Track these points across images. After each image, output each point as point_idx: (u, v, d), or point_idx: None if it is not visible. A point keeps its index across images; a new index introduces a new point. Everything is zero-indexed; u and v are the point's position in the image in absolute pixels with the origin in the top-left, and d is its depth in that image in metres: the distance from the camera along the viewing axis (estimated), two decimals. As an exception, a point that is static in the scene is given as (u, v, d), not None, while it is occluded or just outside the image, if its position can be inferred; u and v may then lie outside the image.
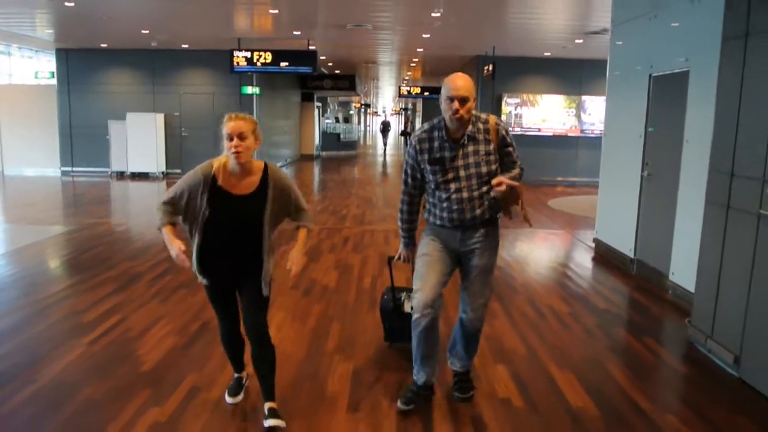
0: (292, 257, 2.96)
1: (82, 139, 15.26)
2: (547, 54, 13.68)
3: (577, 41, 11.47)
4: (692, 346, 4.27)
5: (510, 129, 13.67)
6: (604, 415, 3.29)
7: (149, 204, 10.67)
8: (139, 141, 14.73)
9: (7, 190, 13.03)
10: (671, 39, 5.66)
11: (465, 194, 3.09)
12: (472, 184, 3.09)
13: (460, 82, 2.98)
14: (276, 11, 9.92)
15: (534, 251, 7.81)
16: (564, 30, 10.75)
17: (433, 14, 9.28)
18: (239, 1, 9.63)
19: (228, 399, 3.33)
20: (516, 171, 3.17)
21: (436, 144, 3.11)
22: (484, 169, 3.09)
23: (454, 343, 3.44)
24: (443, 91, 3.03)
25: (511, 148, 3.17)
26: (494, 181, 2.95)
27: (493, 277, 3.33)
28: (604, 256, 7.04)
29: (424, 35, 11.74)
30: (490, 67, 13.39)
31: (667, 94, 5.75)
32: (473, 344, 3.40)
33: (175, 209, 2.91)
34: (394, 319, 3.94)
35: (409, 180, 3.26)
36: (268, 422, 2.93)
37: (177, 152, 15.23)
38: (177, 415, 3.17)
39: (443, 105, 3.03)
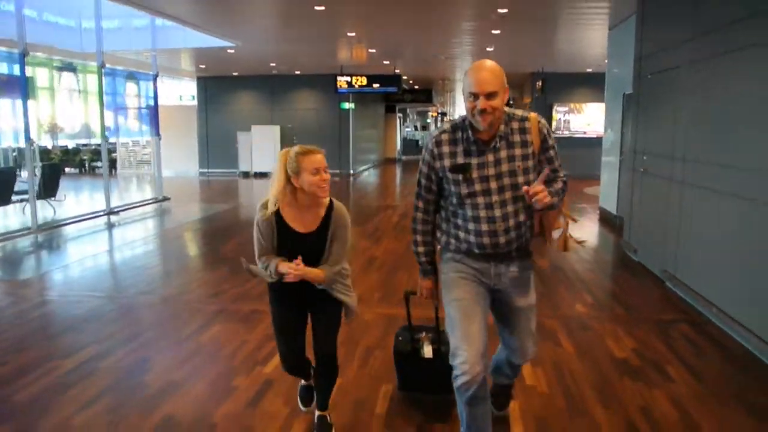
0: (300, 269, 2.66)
1: (215, 146, 19.53)
2: (589, 70, 16.65)
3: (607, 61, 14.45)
4: (623, 253, 7.43)
5: (557, 131, 16.71)
6: (552, 269, 6.58)
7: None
8: (261, 147, 18.71)
9: (168, 185, 17.28)
10: (630, 72, 8.79)
11: (498, 212, 2.49)
12: (505, 198, 2.48)
13: (484, 74, 2.37)
14: (373, 50, 13.58)
15: (558, 217, 10.97)
16: (597, 55, 13.78)
17: (487, 49, 12.63)
18: (343, 44, 13.28)
19: (302, 407, 3.32)
20: (559, 185, 2.58)
21: (460, 148, 2.51)
22: (520, 179, 2.47)
23: (499, 367, 3.02)
24: (464, 86, 2.42)
25: (552, 152, 2.55)
26: (530, 189, 2.33)
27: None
28: (604, 217, 10.15)
29: (484, 61, 15.04)
30: (541, 82, 16.56)
31: (630, 106, 8.87)
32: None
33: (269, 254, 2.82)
34: (412, 365, 3.42)
35: (423, 192, 2.66)
36: None
37: (290, 155, 19.27)
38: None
39: (466, 103, 2.42)
